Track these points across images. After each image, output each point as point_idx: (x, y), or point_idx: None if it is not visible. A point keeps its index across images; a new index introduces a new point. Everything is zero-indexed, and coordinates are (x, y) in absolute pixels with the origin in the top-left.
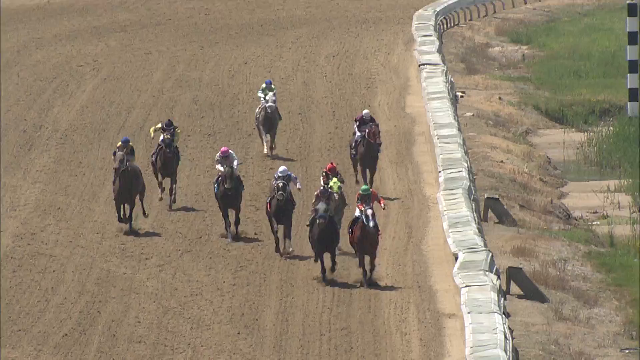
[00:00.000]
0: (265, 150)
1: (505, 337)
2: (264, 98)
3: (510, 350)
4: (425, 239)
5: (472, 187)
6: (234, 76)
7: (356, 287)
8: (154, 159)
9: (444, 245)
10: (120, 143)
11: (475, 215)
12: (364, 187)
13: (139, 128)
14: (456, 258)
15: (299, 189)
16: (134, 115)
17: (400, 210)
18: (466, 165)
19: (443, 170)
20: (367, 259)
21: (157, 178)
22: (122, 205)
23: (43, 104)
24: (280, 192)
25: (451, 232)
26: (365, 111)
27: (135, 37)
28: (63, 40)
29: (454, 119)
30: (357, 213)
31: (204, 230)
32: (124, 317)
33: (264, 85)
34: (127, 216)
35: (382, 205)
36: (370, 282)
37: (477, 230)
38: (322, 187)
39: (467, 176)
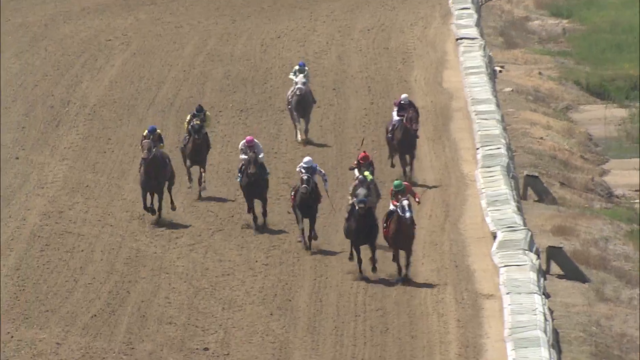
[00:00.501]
0: (297, 138)
1: (545, 318)
2: (295, 81)
3: (550, 331)
4: (462, 217)
5: (511, 165)
6: (267, 50)
7: (392, 268)
8: (183, 145)
9: (482, 224)
10: (146, 132)
11: (514, 193)
12: (396, 182)
13: (170, 104)
14: (495, 237)
15: (326, 190)
16: (164, 91)
17: (437, 188)
18: (505, 142)
19: (481, 147)
20: (402, 254)
21: (185, 165)
22: (148, 194)
23: (71, 79)
24: (304, 186)
25: (489, 210)
26: (403, 96)
27: (165, 10)
28: (91, 13)
29: (493, 94)
30: (391, 207)
31: (235, 208)
32: (154, 298)
33: (296, 67)
34: (156, 205)
35: (417, 199)
36: (406, 279)
37: (516, 209)
38: (360, 176)
39: (506, 153)
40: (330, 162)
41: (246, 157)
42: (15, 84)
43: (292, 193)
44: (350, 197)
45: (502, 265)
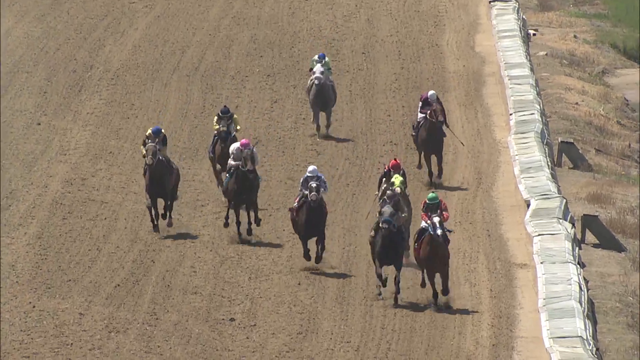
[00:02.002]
0: (316, 132)
1: (580, 288)
2: (313, 71)
3: (586, 302)
4: (495, 185)
5: (545, 131)
6: (295, 13)
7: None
8: (211, 150)
9: (515, 191)
10: (149, 132)
11: (548, 160)
12: (431, 194)
13: (194, 68)
14: (528, 205)
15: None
16: (188, 55)
17: (470, 155)
18: (539, 107)
19: (514, 112)
20: (437, 278)
21: (214, 169)
22: (156, 202)
23: (94, 42)
24: (313, 194)
25: (523, 177)
26: (431, 92)
27: None
28: None
29: (526, 58)
30: (423, 224)
31: (262, 175)
32: (178, 267)
33: (315, 57)
34: (164, 213)
35: (446, 217)
36: (442, 306)
37: (550, 176)
38: (388, 191)
39: (540, 119)
40: (359, 128)
41: (236, 163)
42: (37, 48)
43: (295, 207)
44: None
45: (536, 234)
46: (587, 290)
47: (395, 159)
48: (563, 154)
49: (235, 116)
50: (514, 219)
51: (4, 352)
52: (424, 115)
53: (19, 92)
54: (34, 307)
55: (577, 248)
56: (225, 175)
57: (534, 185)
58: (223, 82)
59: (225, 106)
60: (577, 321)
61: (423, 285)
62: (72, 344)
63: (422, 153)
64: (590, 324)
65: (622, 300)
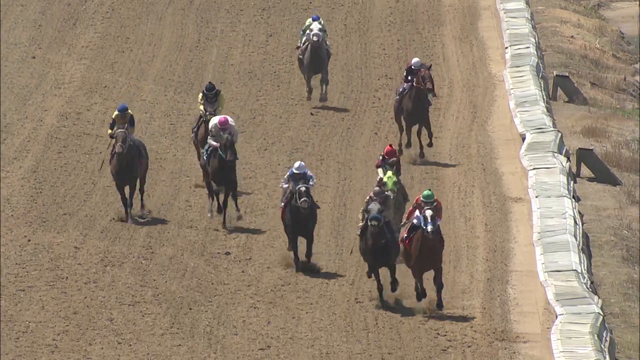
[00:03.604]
0: (308, 96)
1: (575, 222)
2: (309, 29)
3: (580, 235)
4: (490, 119)
5: (540, 64)
6: None
7: (416, 164)
8: (195, 129)
9: (511, 125)
10: (116, 113)
11: (543, 93)
12: (426, 192)
13: (189, 1)
14: (523, 139)
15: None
16: None
17: (465, 88)
18: (534, 40)
19: (510, 46)
20: (430, 280)
21: (197, 151)
22: (124, 189)
23: None
24: (304, 199)
25: (518, 111)
26: (415, 60)
27: None
28: None
29: None
30: (414, 221)
31: (258, 110)
32: (174, 201)
33: (309, 20)
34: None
35: (440, 218)
36: (438, 307)
37: (545, 110)
38: (375, 188)
39: (535, 52)
40: (354, 62)
41: (216, 143)
42: None
43: (282, 205)
44: (361, 215)
45: (531, 167)
46: (582, 224)
47: (390, 145)
48: (558, 88)
49: (221, 93)
50: (509, 153)
51: None
52: (409, 83)
53: (14, 25)
54: (29, 240)
55: (572, 182)
56: (204, 157)
57: (529, 119)
58: (218, 15)
59: (210, 82)
60: (571, 255)
61: (419, 298)
62: (67, 277)
63: (405, 125)
64: (585, 258)
65: (617, 234)
